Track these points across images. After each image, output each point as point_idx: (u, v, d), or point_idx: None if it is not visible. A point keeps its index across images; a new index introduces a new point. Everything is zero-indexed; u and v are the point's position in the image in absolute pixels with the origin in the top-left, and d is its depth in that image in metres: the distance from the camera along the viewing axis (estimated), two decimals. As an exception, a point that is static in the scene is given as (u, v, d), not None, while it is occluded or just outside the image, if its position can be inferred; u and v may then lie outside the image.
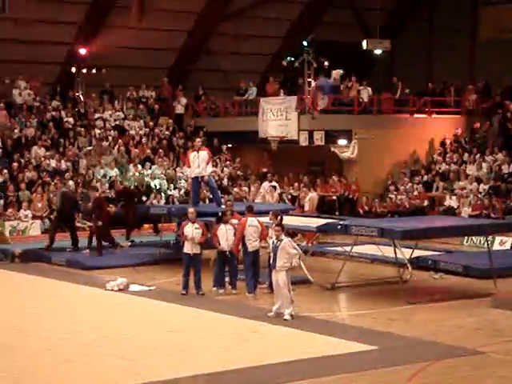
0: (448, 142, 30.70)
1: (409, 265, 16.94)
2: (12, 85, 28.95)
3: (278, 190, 25.97)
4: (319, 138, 28.25)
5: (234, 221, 16.13)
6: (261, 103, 29.19)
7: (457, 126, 31.02)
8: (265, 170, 29.15)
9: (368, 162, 28.78)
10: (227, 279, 16.21)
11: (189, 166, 18.95)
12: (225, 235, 15.87)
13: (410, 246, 17.87)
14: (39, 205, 24.06)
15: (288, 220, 16.55)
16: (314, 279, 16.79)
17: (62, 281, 17.51)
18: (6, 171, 25.18)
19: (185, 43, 33.10)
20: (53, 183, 24.93)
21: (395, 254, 16.17)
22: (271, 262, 13.86)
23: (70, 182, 25.45)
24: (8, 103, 28.30)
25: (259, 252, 16.00)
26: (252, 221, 15.89)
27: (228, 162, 29.86)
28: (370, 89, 30.35)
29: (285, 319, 13.49)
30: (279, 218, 15.20)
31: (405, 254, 16.88)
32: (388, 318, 13.76)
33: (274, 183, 25.96)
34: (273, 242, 13.90)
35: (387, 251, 17.23)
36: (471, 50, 33.92)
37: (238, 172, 29.68)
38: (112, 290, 16.27)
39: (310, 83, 28.10)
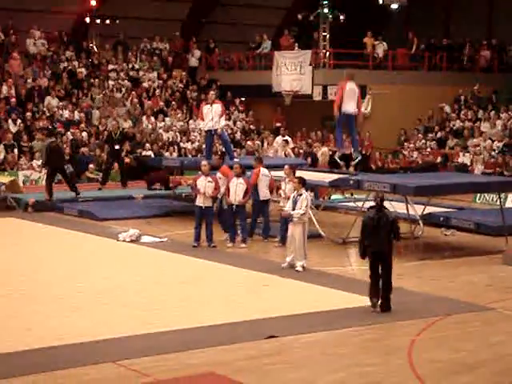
0: (462, 98, 30.46)
1: (420, 221, 16.95)
2: (26, 34, 28.82)
3: (291, 145, 25.92)
4: (333, 93, 28.05)
5: (218, 174, 16.25)
6: (275, 57, 29.01)
7: (472, 83, 30.72)
8: (278, 124, 29.06)
9: (382, 117, 28.63)
10: (238, 232, 16.28)
11: (202, 119, 18.89)
12: (234, 188, 15.91)
13: (421, 202, 17.85)
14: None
15: (300, 175, 16.52)
16: (325, 234, 16.85)
17: (74, 231, 17.61)
18: (19, 121, 25.20)
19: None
20: (68, 133, 24.94)
21: (407, 210, 16.16)
22: (293, 215, 13.82)
23: (84, 134, 25.51)
24: (22, 53, 28.22)
25: (269, 202, 16.20)
26: (264, 171, 16.13)
27: (241, 116, 29.77)
28: (385, 44, 30.11)
29: (297, 270, 13.61)
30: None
31: (417, 210, 16.87)
32: (399, 273, 13.73)
33: (286, 137, 25.91)
34: (293, 196, 13.92)
35: (399, 207, 17.19)
36: (490, 5, 33.47)
37: (251, 126, 29.61)
38: (124, 240, 16.36)
39: (324, 37, 27.85)
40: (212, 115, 18.46)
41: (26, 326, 10.17)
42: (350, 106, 17.55)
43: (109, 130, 24.30)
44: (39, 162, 23.70)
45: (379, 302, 11.20)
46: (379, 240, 11.18)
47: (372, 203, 11.99)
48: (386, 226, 11.23)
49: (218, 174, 16.25)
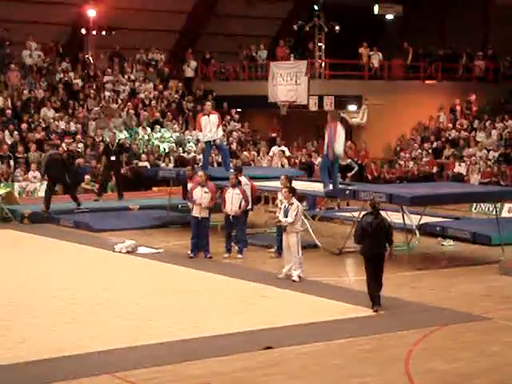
0: (458, 108, 30.53)
1: (417, 231, 16.95)
2: (22, 46, 28.84)
3: (287, 154, 25.95)
4: (329, 103, 28.15)
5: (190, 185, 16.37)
6: (271, 67, 29.05)
7: (467, 93, 30.78)
8: (274, 134, 29.09)
9: (377, 127, 28.68)
10: (234, 243, 16.26)
11: (200, 130, 18.88)
12: (230, 199, 15.91)
13: (418, 212, 17.85)
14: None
15: (297, 185, 16.55)
16: (321, 244, 16.84)
17: (70, 242, 17.59)
18: (15, 132, 25.18)
19: (195, 6, 32.90)
20: (63, 144, 24.93)
21: (403, 219, 16.17)
22: (282, 223, 13.92)
23: (80, 145, 25.51)
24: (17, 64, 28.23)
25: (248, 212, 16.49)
26: (243, 179, 16.61)
27: (237, 126, 29.80)
28: (380, 54, 30.19)
29: (293, 280, 13.61)
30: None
31: (413, 219, 16.88)
32: (395, 283, 13.79)
33: (283, 147, 25.95)
34: (284, 206, 13.95)
35: (395, 217, 17.20)
36: (485, 16, 33.58)
37: (247, 136, 29.63)
38: (120, 251, 16.34)
39: (320, 48, 27.92)
40: (210, 126, 18.47)
41: (22, 338, 10.14)
42: (340, 149, 17.34)
43: (105, 141, 24.30)
44: (35, 174, 23.69)
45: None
46: (377, 244, 11.88)
47: (366, 211, 12.42)
48: (383, 231, 11.94)
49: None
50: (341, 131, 17.10)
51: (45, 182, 23.27)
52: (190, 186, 16.40)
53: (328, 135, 16.91)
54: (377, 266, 11.95)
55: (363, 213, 12.99)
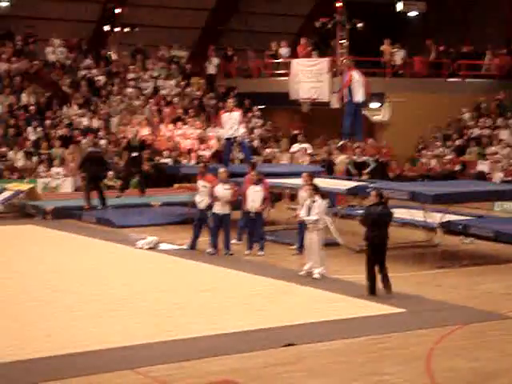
0: (481, 106, 30.34)
1: (439, 229, 16.89)
2: (45, 43, 29.02)
3: (309, 152, 25.92)
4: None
5: (201, 182, 16.27)
6: (293, 65, 29.02)
7: (490, 90, 30.56)
8: (296, 131, 29.06)
9: (399, 125, 28.55)
10: (255, 240, 16.26)
11: (222, 127, 18.92)
12: (251, 196, 15.92)
13: (440, 210, 17.78)
14: (71, 165, 24.20)
15: (318, 182, 16.53)
16: (343, 242, 16.82)
17: (92, 238, 17.69)
18: (39, 128, 25.36)
19: (217, 3, 32.94)
20: (85, 141, 25.06)
21: (425, 218, 16.10)
22: (304, 221, 13.94)
23: (102, 141, 25.63)
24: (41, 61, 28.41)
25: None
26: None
27: (259, 123, 29.81)
28: (403, 51, 30.04)
29: (314, 277, 13.60)
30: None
31: (435, 218, 16.81)
32: (417, 281, 13.77)
33: (305, 145, 25.92)
34: (307, 203, 13.95)
35: (417, 215, 17.16)
36: (509, 12, 33.31)
37: (269, 133, 29.63)
38: (142, 248, 16.41)
39: (342, 45, 27.85)
40: (231, 123, 18.50)
41: (46, 333, 10.21)
42: (359, 96, 17.57)
43: (127, 137, 24.42)
44: (58, 170, 23.87)
45: (379, 283, 12.59)
46: (382, 234, 12.54)
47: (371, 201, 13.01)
48: (387, 221, 12.69)
49: (203, 183, 16.23)
50: (357, 77, 17.34)
51: (68, 179, 23.51)
52: (199, 182, 16.36)
53: (342, 82, 17.34)
54: (378, 254, 12.54)
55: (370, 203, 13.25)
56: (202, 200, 16.12)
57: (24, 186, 21.51)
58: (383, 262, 12.59)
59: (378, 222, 12.55)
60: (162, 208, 21.48)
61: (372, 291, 12.55)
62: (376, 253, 12.58)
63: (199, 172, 16.87)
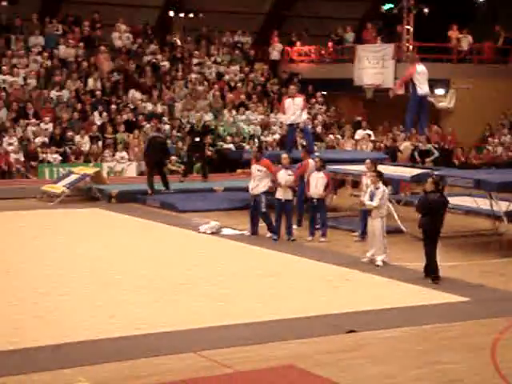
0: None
1: (505, 218, 16.61)
2: (112, 28, 29.33)
3: (373, 138, 25.75)
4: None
5: (256, 166, 16.23)
6: (357, 50, 28.81)
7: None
8: (359, 118, 28.87)
9: (465, 112, 28.12)
10: (317, 226, 16.26)
11: (284, 113, 18.93)
12: (314, 182, 15.91)
13: (506, 198, 17.48)
14: (136, 149, 24.47)
15: (382, 169, 16.41)
16: (406, 229, 16.68)
17: (156, 222, 17.87)
18: (104, 113, 25.69)
19: (282, -12, 32.88)
20: (149, 126, 25.30)
21: (491, 206, 15.87)
22: (367, 207, 13.87)
23: (167, 127, 25.84)
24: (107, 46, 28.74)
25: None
26: (311, 163, 16.55)
27: (322, 109, 29.70)
28: (470, 37, 29.55)
29: (377, 265, 13.54)
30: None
31: (501, 206, 16.54)
32: (481, 270, 13.60)
33: (368, 131, 25.75)
34: (370, 190, 13.89)
35: (482, 203, 16.90)
36: None
37: (332, 120, 29.51)
38: (205, 232, 16.53)
39: (408, 30, 27.52)
40: (294, 109, 18.48)
41: (110, 315, 10.38)
42: (424, 89, 17.49)
43: (191, 122, 24.59)
44: (123, 154, 24.17)
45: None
46: (436, 221, 12.65)
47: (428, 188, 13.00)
48: (442, 209, 12.74)
49: (258, 167, 16.21)
50: (421, 71, 17.30)
51: (132, 163, 23.79)
52: (254, 167, 16.37)
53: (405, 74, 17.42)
54: (431, 241, 12.64)
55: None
56: (256, 185, 16.14)
57: (90, 170, 21.83)
58: (433, 249, 12.64)
59: (432, 210, 12.60)
60: (225, 193, 21.59)
61: (429, 273, 12.70)
62: (428, 240, 12.67)
63: (253, 156, 16.90)
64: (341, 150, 25.36)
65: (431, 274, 12.67)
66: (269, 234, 16.05)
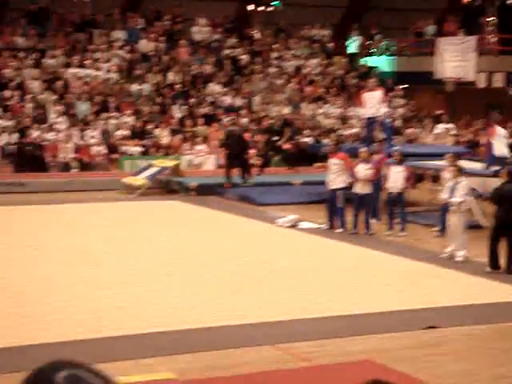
0: None
1: None
2: (192, 22, 29.60)
3: (453, 132, 25.37)
4: (499, 80, 27.21)
5: (333, 160, 16.13)
6: (438, 43, 28.40)
7: None
8: (439, 111, 28.46)
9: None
10: (396, 221, 16.12)
11: (363, 106, 18.81)
12: (394, 176, 15.76)
13: None
14: (214, 142, 24.66)
15: (462, 163, 16.16)
16: (486, 224, 16.38)
17: (234, 214, 17.99)
18: (184, 107, 25.96)
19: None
20: (227, 119, 25.47)
21: None
22: (447, 202, 13.74)
23: (244, 120, 25.96)
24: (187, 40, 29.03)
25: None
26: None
27: (401, 103, 29.40)
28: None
29: (457, 260, 13.35)
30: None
31: None
32: None
33: (449, 125, 25.37)
34: (450, 185, 13.71)
35: None
36: None
37: (412, 113, 29.18)
38: (282, 226, 16.55)
39: (491, 22, 27.00)
40: (373, 102, 18.35)
41: (190, 306, 10.49)
42: (504, 150, 17.16)
43: (270, 116, 24.65)
44: (202, 147, 24.39)
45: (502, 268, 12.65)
46: (511, 212, 12.57)
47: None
48: None
49: (335, 161, 16.12)
50: (500, 133, 16.90)
51: (210, 156, 23.99)
52: (330, 161, 16.32)
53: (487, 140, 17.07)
54: (507, 232, 12.57)
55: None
56: (333, 179, 16.08)
57: (169, 163, 22.11)
58: (511, 240, 12.59)
59: (507, 200, 12.60)
60: (303, 187, 21.58)
61: (494, 266, 12.64)
62: (504, 231, 12.63)
63: (331, 150, 16.86)
64: (420, 144, 25.06)
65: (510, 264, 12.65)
66: (340, 229, 15.99)
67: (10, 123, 23.51)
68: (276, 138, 22.79)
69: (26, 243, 14.33)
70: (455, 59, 27.49)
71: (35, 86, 25.26)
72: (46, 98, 24.88)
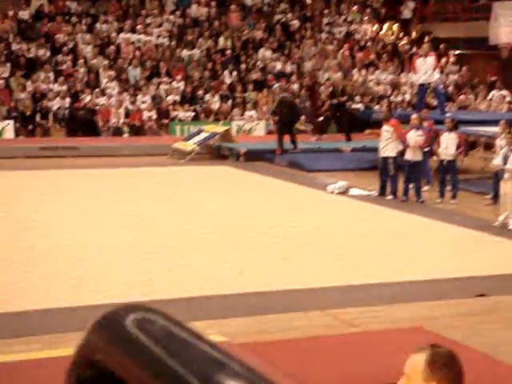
0: None
1: None
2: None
3: (508, 99, 24.94)
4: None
5: (385, 127, 15.88)
6: (493, 8, 27.83)
7: None
8: (493, 78, 27.98)
9: None
10: (448, 188, 15.96)
11: (415, 73, 18.57)
12: (445, 143, 15.57)
13: None
14: (264, 108, 24.62)
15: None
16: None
17: (283, 180, 17.97)
18: (234, 72, 25.92)
19: None
20: (277, 85, 25.36)
21: None
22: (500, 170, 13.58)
23: (295, 86, 25.83)
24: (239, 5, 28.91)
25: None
26: None
27: (454, 69, 28.95)
28: None
29: (509, 229, 13.18)
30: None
31: None
32: None
33: (503, 92, 24.94)
34: (504, 152, 13.51)
35: None
36: None
37: (465, 79, 28.74)
38: (332, 192, 16.50)
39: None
40: (425, 68, 18.10)
41: (239, 270, 10.54)
42: None
43: (332, 83, 24.51)
44: (252, 113, 24.36)
45: None
46: None
47: None
48: None
49: (386, 127, 15.96)
50: None
51: (260, 122, 23.97)
52: (384, 127, 16.17)
53: None
54: None
55: None
56: (384, 145, 15.96)
57: (219, 129, 22.13)
58: None
59: None
60: (353, 153, 21.45)
61: None
62: None
63: (383, 117, 16.73)
64: (473, 111, 24.70)
65: None
66: (390, 196, 15.88)
67: (62, 88, 23.74)
68: (336, 101, 22.66)
69: (78, 206, 14.50)
70: (510, 25, 26.95)
71: (87, 50, 25.44)
72: (98, 63, 25.05)
